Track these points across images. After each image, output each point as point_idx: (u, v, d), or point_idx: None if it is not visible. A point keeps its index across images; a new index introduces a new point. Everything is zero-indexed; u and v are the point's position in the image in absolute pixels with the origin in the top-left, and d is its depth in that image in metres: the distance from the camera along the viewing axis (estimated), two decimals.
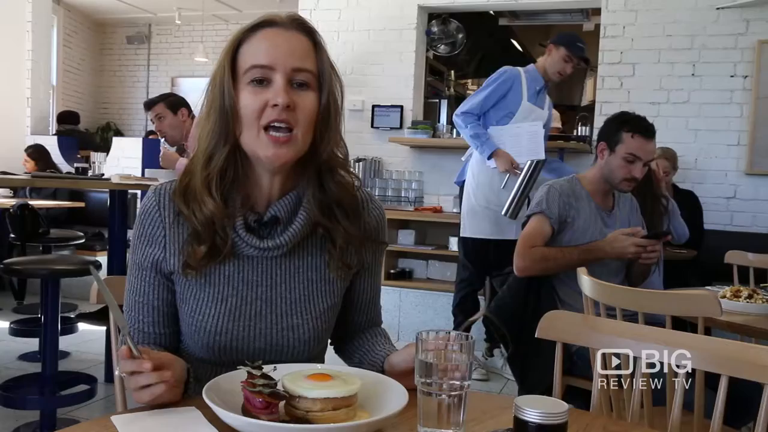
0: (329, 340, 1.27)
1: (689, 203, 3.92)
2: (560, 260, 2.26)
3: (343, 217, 1.13)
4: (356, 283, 1.23)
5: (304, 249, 1.14)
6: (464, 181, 3.82)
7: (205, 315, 1.10)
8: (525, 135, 3.59)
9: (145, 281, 1.13)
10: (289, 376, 0.93)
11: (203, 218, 1.06)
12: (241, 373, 0.93)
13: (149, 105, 3.72)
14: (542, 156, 3.51)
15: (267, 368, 0.93)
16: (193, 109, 3.73)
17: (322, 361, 1.22)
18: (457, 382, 0.88)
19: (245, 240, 1.08)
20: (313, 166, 1.11)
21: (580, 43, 3.64)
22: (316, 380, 0.91)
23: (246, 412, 0.90)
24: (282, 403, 0.91)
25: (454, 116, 3.72)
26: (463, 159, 3.94)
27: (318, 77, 1.07)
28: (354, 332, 1.27)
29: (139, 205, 4.59)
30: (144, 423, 0.90)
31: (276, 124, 1.04)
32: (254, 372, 0.91)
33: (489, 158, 3.57)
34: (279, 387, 0.91)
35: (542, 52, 3.86)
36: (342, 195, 1.13)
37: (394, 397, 0.95)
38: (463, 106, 3.68)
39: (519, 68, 3.71)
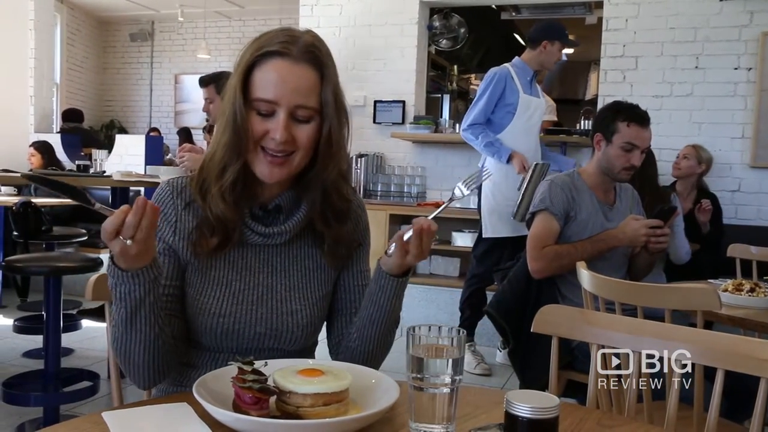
0: (329, 347, 1.32)
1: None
2: (574, 256, 2.19)
3: (336, 221, 1.21)
4: (346, 269, 1.27)
5: (301, 239, 1.22)
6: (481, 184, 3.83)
7: (210, 297, 1.15)
8: (523, 133, 3.68)
9: None
10: (280, 371, 0.93)
11: (218, 216, 1.14)
12: (232, 369, 0.93)
13: (203, 83, 3.75)
14: (542, 159, 3.61)
15: (258, 364, 0.93)
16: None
17: (312, 356, 1.25)
18: (448, 377, 0.87)
19: (251, 227, 1.17)
20: (318, 186, 1.17)
21: (567, 32, 3.79)
22: (307, 375, 0.91)
23: (236, 407, 0.89)
24: (273, 399, 0.91)
25: (462, 132, 3.79)
26: (479, 165, 3.96)
27: (321, 111, 1.12)
28: (350, 324, 1.28)
29: None
30: (134, 419, 0.90)
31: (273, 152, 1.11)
32: (245, 367, 0.91)
33: (508, 162, 3.64)
34: (270, 382, 0.91)
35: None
36: (342, 207, 1.22)
37: (385, 392, 0.95)
38: (468, 119, 3.76)
39: (505, 65, 3.78)
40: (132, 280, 1.00)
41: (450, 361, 0.88)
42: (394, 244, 1.10)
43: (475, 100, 3.80)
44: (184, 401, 0.94)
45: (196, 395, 0.87)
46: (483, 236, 3.79)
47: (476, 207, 3.90)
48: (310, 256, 1.23)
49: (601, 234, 2.29)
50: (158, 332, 1.07)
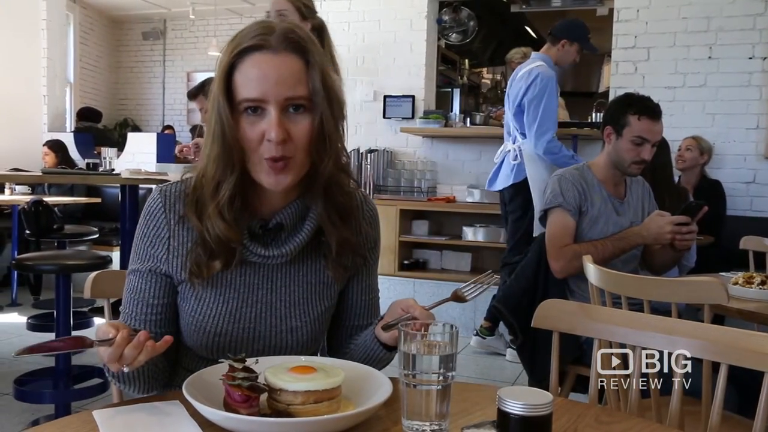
0: (326, 348, 1.29)
1: (713, 191, 3.88)
2: (595, 255, 2.08)
3: (340, 221, 1.13)
4: (353, 283, 1.23)
5: (304, 253, 1.14)
6: (515, 184, 3.71)
7: (206, 315, 1.11)
8: None
9: (145, 279, 1.12)
10: (271, 369, 0.92)
11: (217, 237, 1.06)
12: (223, 367, 0.92)
13: (191, 96, 3.74)
14: None
15: (250, 361, 0.92)
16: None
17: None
18: (441, 374, 0.86)
19: (250, 249, 1.09)
20: (319, 184, 1.09)
21: (589, 35, 3.76)
22: (298, 373, 0.90)
23: (227, 405, 0.89)
24: (264, 397, 0.90)
25: (546, 146, 3.54)
26: (496, 160, 3.87)
27: (311, 99, 1.04)
28: (353, 336, 1.25)
29: None
30: (124, 418, 0.89)
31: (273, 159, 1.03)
32: (236, 365, 0.90)
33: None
34: (261, 380, 0.90)
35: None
36: (344, 201, 1.14)
37: (378, 388, 0.93)
38: (545, 132, 3.54)
39: (545, 65, 3.63)
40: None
41: (442, 357, 0.87)
42: (392, 322, 1.07)
43: (539, 108, 3.53)
44: (177, 399, 0.93)
45: (185, 393, 0.86)
46: (534, 235, 3.64)
47: (509, 209, 3.78)
48: (313, 271, 1.16)
49: (622, 232, 2.24)
50: (153, 376, 1.09)
